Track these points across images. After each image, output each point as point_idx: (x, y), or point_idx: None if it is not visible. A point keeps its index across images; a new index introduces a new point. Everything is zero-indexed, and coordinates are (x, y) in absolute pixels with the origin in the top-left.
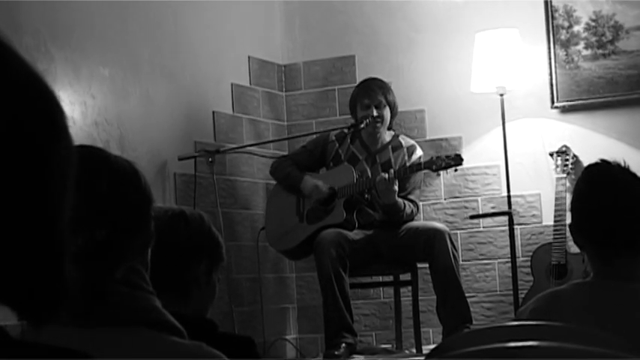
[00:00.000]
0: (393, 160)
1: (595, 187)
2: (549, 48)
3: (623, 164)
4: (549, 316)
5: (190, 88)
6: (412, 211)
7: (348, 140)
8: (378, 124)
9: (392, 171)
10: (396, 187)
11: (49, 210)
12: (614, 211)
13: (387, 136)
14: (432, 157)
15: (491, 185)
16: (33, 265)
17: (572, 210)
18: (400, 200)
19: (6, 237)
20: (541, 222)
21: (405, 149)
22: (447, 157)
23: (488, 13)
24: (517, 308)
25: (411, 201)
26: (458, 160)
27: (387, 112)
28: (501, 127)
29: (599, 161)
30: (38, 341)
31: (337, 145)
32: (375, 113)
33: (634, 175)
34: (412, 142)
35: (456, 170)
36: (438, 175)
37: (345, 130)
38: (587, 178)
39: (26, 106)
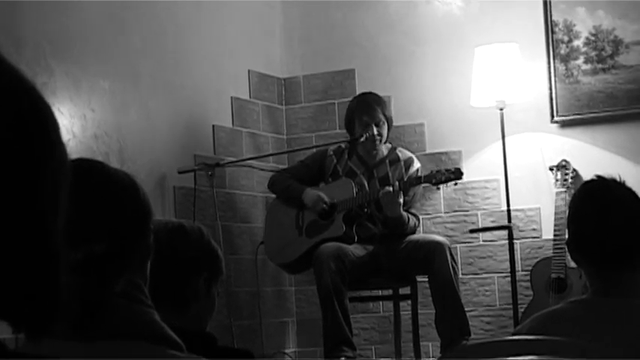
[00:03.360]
0: (390, 174)
1: (590, 203)
2: (549, 62)
3: (618, 179)
4: (547, 334)
5: (190, 101)
6: (415, 224)
7: (346, 155)
8: (377, 143)
9: (397, 184)
10: (402, 200)
11: (43, 221)
12: (610, 227)
13: (384, 149)
14: (432, 171)
15: (491, 199)
16: (27, 277)
17: (568, 227)
18: (405, 214)
19: None
20: (541, 236)
21: (402, 162)
22: (447, 170)
23: (488, 27)
24: (517, 322)
25: (413, 214)
26: (458, 174)
27: (385, 129)
28: (501, 141)
29: (594, 177)
30: (37, 354)
31: (335, 160)
32: (375, 132)
33: (630, 190)
34: (409, 154)
35: (455, 184)
36: (438, 188)
37: (343, 145)
38: (582, 194)
39: (19, 117)
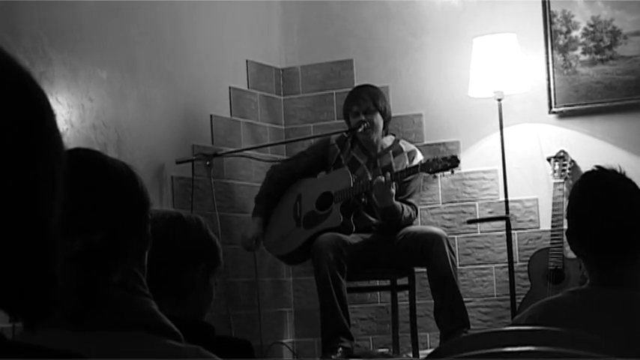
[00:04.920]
0: (394, 165)
1: (591, 194)
2: (547, 53)
3: (619, 170)
4: (546, 324)
5: (188, 91)
6: (411, 214)
7: (349, 145)
8: (368, 130)
9: (389, 174)
10: (393, 191)
11: (39, 210)
12: (610, 218)
13: (387, 140)
14: (428, 160)
15: (489, 190)
16: (24, 265)
17: (568, 217)
18: (398, 203)
19: None
20: (538, 227)
21: (406, 154)
22: (444, 158)
23: (487, 18)
24: (514, 313)
25: (410, 204)
26: (454, 161)
27: (377, 118)
28: (499, 131)
29: (595, 168)
30: (34, 344)
31: (338, 149)
32: (362, 117)
33: (630, 181)
34: (413, 147)
35: (452, 173)
36: (435, 177)
37: (345, 135)
38: (582, 185)
39: (14, 105)
